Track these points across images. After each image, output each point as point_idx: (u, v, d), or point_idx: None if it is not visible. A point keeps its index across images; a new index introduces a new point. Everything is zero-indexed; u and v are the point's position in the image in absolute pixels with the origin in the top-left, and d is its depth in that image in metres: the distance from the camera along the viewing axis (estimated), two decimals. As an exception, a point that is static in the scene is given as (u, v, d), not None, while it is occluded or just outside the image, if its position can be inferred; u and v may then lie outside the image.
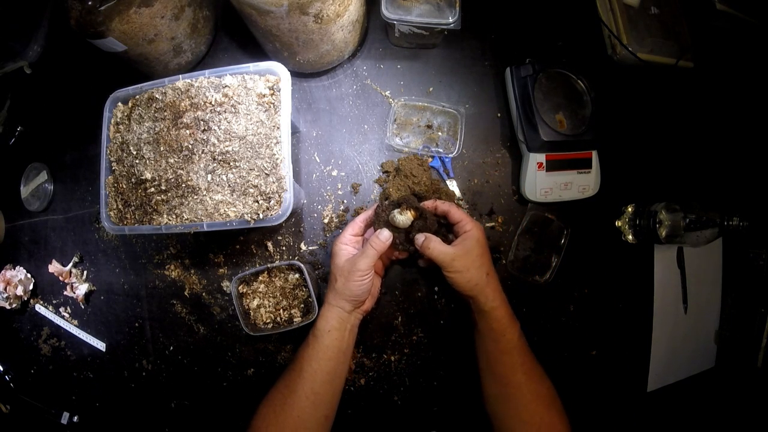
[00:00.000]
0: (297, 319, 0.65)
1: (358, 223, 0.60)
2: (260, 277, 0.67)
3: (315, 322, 0.59)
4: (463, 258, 0.56)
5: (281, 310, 0.66)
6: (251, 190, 0.58)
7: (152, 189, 0.60)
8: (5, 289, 0.76)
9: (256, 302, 0.66)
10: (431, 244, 0.56)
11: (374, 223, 0.59)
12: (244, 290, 0.66)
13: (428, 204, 0.60)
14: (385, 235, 0.56)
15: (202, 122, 0.59)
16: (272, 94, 0.60)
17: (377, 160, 0.71)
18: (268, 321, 0.66)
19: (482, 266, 0.56)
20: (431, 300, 0.69)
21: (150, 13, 0.60)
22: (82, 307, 0.77)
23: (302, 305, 0.66)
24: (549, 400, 0.55)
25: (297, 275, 0.66)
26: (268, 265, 0.65)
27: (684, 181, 0.72)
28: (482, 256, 0.56)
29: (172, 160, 0.59)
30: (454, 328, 0.68)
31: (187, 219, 0.59)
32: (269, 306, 0.66)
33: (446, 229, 0.61)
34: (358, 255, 0.56)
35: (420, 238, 0.57)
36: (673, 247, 0.72)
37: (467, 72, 0.73)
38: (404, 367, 0.68)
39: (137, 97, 0.63)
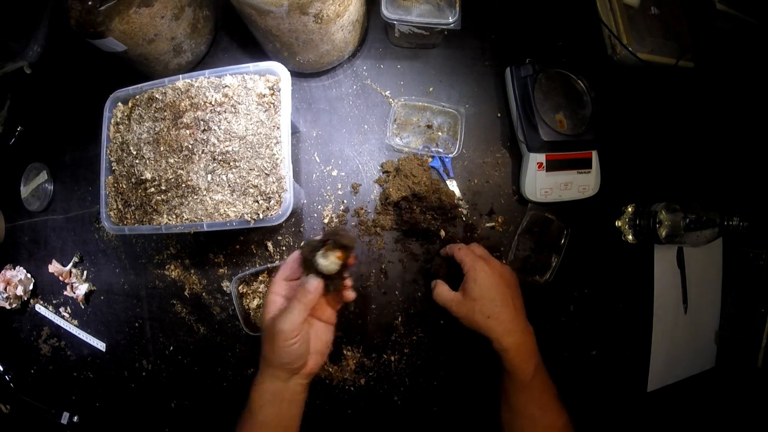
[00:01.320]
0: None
1: (290, 264, 0.51)
2: (260, 277, 0.67)
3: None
4: (463, 304, 0.56)
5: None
6: (251, 190, 0.58)
7: (152, 189, 0.60)
8: (5, 289, 0.76)
9: (256, 302, 0.66)
10: (436, 290, 0.59)
11: (302, 267, 0.49)
12: (244, 290, 0.66)
13: (442, 252, 0.62)
14: (312, 285, 0.47)
15: (202, 122, 0.59)
16: (272, 94, 0.60)
17: (377, 160, 0.71)
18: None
19: (482, 310, 0.54)
20: (431, 300, 0.69)
21: (150, 13, 0.60)
22: (82, 307, 0.77)
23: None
24: None
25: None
26: (268, 265, 0.65)
27: (684, 181, 0.72)
28: (481, 299, 0.55)
29: (172, 160, 0.59)
30: (454, 328, 0.68)
31: (187, 219, 0.59)
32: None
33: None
34: (282, 313, 0.47)
35: (432, 284, 0.60)
36: (673, 247, 0.72)
37: (467, 72, 0.73)
38: (404, 367, 0.68)
39: (137, 97, 0.63)
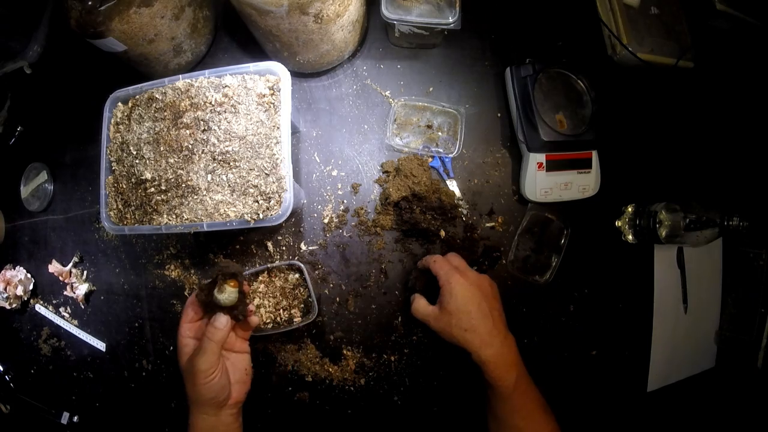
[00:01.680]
0: (297, 319, 0.65)
1: (189, 307, 0.53)
2: (260, 277, 0.67)
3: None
4: (440, 319, 0.55)
5: (281, 310, 0.66)
6: (251, 190, 0.58)
7: (152, 189, 0.60)
8: (5, 289, 0.76)
9: (256, 302, 0.66)
10: (413, 304, 0.59)
11: (204, 310, 0.52)
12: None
13: (419, 264, 0.62)
14: (221, 322, 0.49)
15: (202, 122, 0.59)
16: (272, 94, 0.60)
17: (377, 160, 0.71)
18: (268, 321, 0.66)
19: (459, 323, 0.54)
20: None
21: (150, 13, 0.60)
22: (82, 307, 0.77)
23: (302, 305, 0.66)
24: None
25: (297, 275, 0.66)
26: (268, 265, 0.65)
27: (684, 181, 0.72)
28: (457, 312, 0.54)
29: (172, 160, 0.59)
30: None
31: (187, 219, 0.59)
32: (269, 306, 0.66)
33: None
34: (195, 353, 0.49)
35: (412, 299, 0.60)
36: (673, 247, 0.72)
37: (467, 72, 0.73)
38: (404, 367, 0.68)
39: (137, 97, 0.63)
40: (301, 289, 0.66)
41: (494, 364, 0.53)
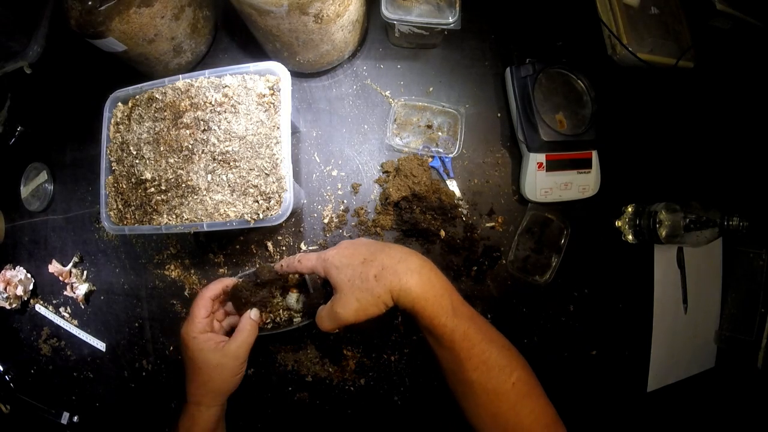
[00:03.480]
0: (297, 319, 0.64)
1: (201, 307, 0.52)
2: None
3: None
4: (342, 299, 0.44)
5: (281, 310, 0.66)
6: (251, 190, 0.58)
7: (152, 189, 0.60)
8: (5, 289, 0.76)
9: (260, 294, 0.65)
10: (317, 320, 0.48)
11: (235, 304, 0.55)
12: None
13: (277, 268, 0.54)
14: (257, 315, 0.53)
15: (202, 122, 0.59)
16: (272, 94, 0.60)
17: (377, 160, 0.71)
18: (268, 321, 0.65)
19: (361, 279, 0.43)
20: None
21: (150, 13, 0.60)
22: (82, 307, 0.77)
23: (301, 307, 0.65)
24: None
25: (297, 275, 0.66)
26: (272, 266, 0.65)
27: (684, 181, 0.72)
28: (350, 270, 0.44)
29: (172, 160, 0.59)
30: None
31: (187, 219, 0.59)
32: (270, 306, 0.66)
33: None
34: (234, 342, 0.50)
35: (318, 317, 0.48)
36: (673, 247, 0.72)
37: (467, 72, 0.73)
38: (404, 367, 0.68)
39: (137, 97, 0.63)
40: (302, 290, 0.66)
41: (420, 291, 0.42)
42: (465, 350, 0.42)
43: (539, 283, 0.68)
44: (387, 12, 0.63)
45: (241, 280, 0.57)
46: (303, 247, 0.70)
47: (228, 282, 0.56)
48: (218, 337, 0.52)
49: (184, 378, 0.53)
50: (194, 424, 0.51)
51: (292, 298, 0.61)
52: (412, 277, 0.42)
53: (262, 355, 0.70)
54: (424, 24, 0.64)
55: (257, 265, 0.57)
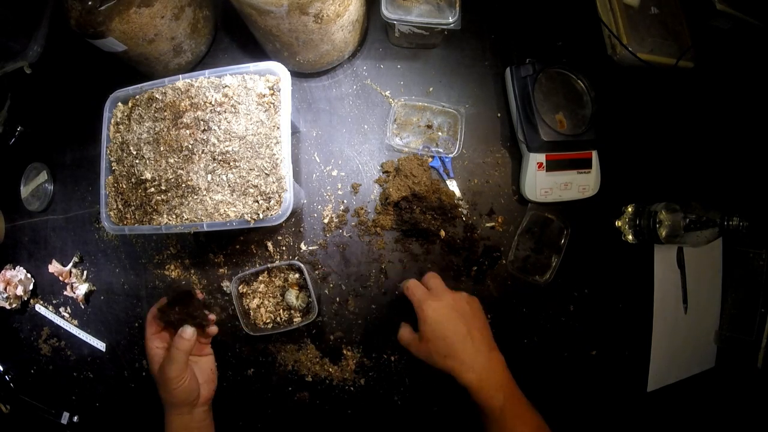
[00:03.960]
0: (297, 319, 0.65)
1: (152, 322, 0.58)
2: (260, 277, 0.67)
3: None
4: (420, 347, 0.54)
5: (281, 310, 0.66)
6: (251, 190, 0.58)
7: (152, 189, 0.60)
8: (5, 289, 0.76)
9: (256, 302, 0.66)
10: (399, 331, 0.57)
11: (166, 325, 0.57)
12: (244, 290, 0.67)
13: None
14: (188, 333, 0.55)
15: (202, 122, 0.59)
16: (272, 94, 0.60)
17: (377, 160, 0.71)
18: (268, 321, 0.66)
19: (437, 351, 0.52)
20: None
21: (150, 13, 0.60)
22: (82, 307, 0.77)
23: (302, 305, 0.66)
24: None
25: (297, 275, 0.66)
26: (269, 265, 0.65)
27: (684, 181, 0.72)
28: (434, 339, 0.52)
29: (172, 160, 0.59)
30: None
31: (187, 219, 0.59)
32: (269, 306, 0.66)
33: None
34: (165, 362, 0.55)
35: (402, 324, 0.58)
36: (673, 247, 0.72)
37: (467, 72, 0.73)
38: (404, 367, 0.68)
39: (137, 97, 0.63)
40: (301, 289, 0.66)
41: (478, 387, 0.51)
42: (509, 425, 0.51)
43: (539, 283, 0.68)
44: (387, 12, 0.63)
45: (164, 302, 0.58)
46: (303, 247, 0.70)
47: (153, 309, 0.58)
48: (162, 353, 0.57)
49: None
50: (166, 426, 0.57)
51: (292, 295, 0.61)
52: (471, 374, 0.51)
53: (263, 355, 0.70)
54: (424, 24, 0.64)
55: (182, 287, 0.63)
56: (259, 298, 0.66)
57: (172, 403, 0.56)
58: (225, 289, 0.71)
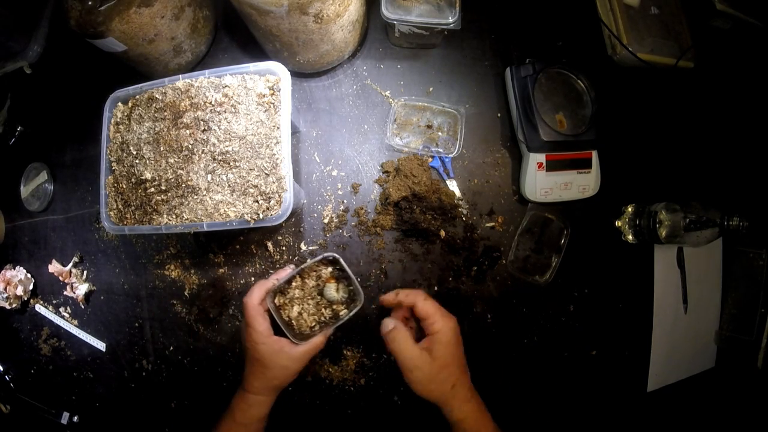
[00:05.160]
0: (343, 312, 0.59)
1: (259, 309, 0.55)
2: (293, 283, 0.61)
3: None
4: (427, 368, 0.49)
5: (323, 308, 0.61)
6: (251, 190, 0.58)
7: (152, 189, 0.60)
8: (5, 289, 0.76)
9: (296, 310, 0.60)
10: (397, 337, 0.50)
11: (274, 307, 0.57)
12: (281, 302, 0.60)
13: (389, 298, 0.55)
14: (328, 332, 0.56)
15: (202, 122, 0.59)
16: (272, 94, 0.60)
17: (377, 160, 0.71)
18: (313, 324, 0.60)
19: (449, 378, 0.49)
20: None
21: (150, 13, 0.60)
22: (82, 307, 0.77)
23: (344, 295, 0.61)
24: None
25: (329, 268, 0.62)
26: (301, 267, 0.60)
27: (684, 181, 0.72)
28: (450, 365, 0.49)
29: (172, 160, 0.59)
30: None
31: (187, 219, 0.59)
32: (310, 309, 0.61)
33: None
34: (302, 348, 0.54)
35: (389, 324, 0.52)
36: (673, 247, 0.72)
37: (467, 72, 0.73)
38: (404, 367, 0.68)
39: (137, 97, 0.63)
40: (339, 280, 0.61)
41: (474, 418, 0.50)
42: None
43: (539, 283, 0.68)
44: (387, 12, 0.63)
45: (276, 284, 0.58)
46: (303, 247, 0.70)
47: (267, 285, 0.57)
48: (282, 341, 0.55)
49: (245, 370, 0.57)
50: (254, 410, 0.56)
51: (331, 289, 0.59)
52: (468, 404, 0.50)
53: (262, 355, 0.70)
54: (424, 24, 0.64)
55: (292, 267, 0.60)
56: (298, 304, 0.60)
57: (278, 386, 0.55)
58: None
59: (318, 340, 0.56)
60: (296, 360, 0.54)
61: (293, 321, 0.60)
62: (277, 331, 0.56)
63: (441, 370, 0.49)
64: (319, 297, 0.61)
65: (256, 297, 0.55)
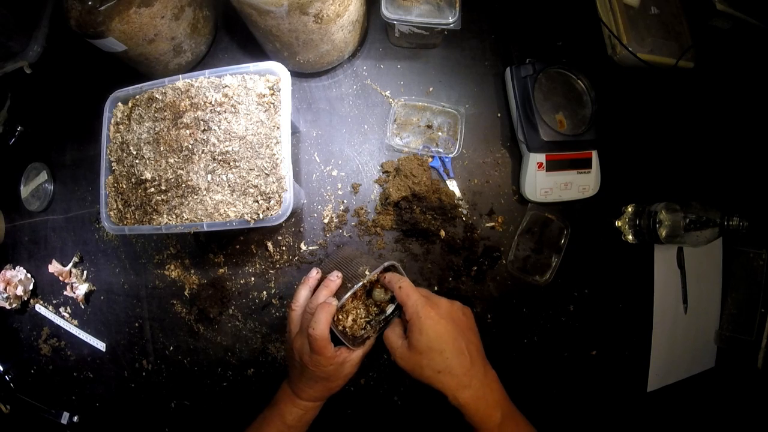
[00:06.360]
0: (389, 307, 0.59)
1: (325, 328, 0.51)
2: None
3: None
4: (409, 358, 0.49)
5: (370, 307, 0.60)
6: (251, 190, 0.58)
7: (152, 189, 0.60)
8: (5, 289, 0.76)
9: (350, 318, 0.58)
10: (386, 331, 0.53)
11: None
12: (336, 316, 0.57)
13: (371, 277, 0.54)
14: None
15: (202, 122, 0.59)
16: (272, 94, 0.60)
17: (377, 160, 0.71)
18: (363, 326, 0.59)
19: (430, 364, 0.47)
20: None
21: (150, 13, 0.60)
22: (82, 307, 0.77)
23: (389, 292, 0.58)
24: None
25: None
26: (363, 281, 0.55)
27: (684, 181, 0.72)
28: (429, 351, 0.47)
29: (172, 160, 0.59)
30: None
31: (187, 219, 0.59)
32: (361, 313, 0.59)
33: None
34: (357, 353, 0.54)
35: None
36: (673, 247, 0.72)
37: (467, 72, 0.73)
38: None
39: (137, 97, 0.63)
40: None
41: (474, 407, 0.47)
42: (486, 421, 0.48)
43: (539, 283, 0.68)
44: (387, 12, 0.63)
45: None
46: (303, 247, 0.70)
47: (330, 310, 0.52)
48: (342, 352, 0.53)
49: (298, 382, 0.55)
50: (308, 416, 0.57)
51: (381, 291, 0.57)
52: (467, 392, 0.48)
53: (263, 355, 0.70)
54: (424, 24, 0.64)
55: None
56: (353, 313, 0.58)
57: (332, 392, 0.55)
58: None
59: (372, 341, 0.56)
60: (356, 365, 0.55)
61: (348, 330, 0.58)
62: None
63: (420, 356, 0.48)
64: (365, 297, 0.60)
65: (324, 327, 0.50)
